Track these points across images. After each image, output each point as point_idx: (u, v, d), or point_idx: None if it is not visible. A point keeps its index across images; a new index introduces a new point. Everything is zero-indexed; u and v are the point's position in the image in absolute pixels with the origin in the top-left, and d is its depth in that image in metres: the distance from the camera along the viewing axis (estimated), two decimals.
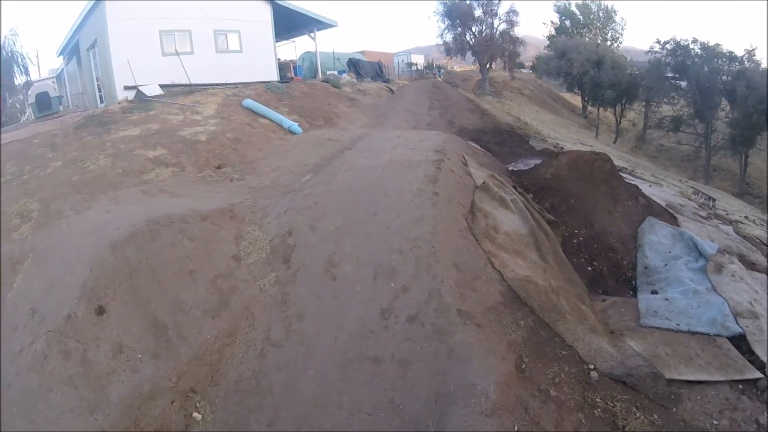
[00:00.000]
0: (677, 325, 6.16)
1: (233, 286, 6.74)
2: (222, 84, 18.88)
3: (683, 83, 29.15)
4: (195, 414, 5.69)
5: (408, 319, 5.72)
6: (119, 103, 16.55)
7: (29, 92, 20.74)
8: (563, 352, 5.53)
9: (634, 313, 6.52)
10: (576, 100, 39.41)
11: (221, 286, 6.70)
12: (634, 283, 7.76)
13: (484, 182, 8.64)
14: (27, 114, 21.88)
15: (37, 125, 15.19)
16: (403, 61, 42.82)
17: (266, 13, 22.19)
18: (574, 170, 10.14)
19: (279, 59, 24.29)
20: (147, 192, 9.45)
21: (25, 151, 12.26)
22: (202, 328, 6.20)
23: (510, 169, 12.04)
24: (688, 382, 5.31)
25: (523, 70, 39.15)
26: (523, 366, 5.25)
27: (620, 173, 11.03)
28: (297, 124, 14.50)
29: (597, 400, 5.05)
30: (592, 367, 5.39)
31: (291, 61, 27.92)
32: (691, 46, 28.14)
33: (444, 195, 7.56)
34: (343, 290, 6.30)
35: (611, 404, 5.01)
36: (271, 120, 14.64)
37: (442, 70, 27.69)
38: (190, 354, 5.95)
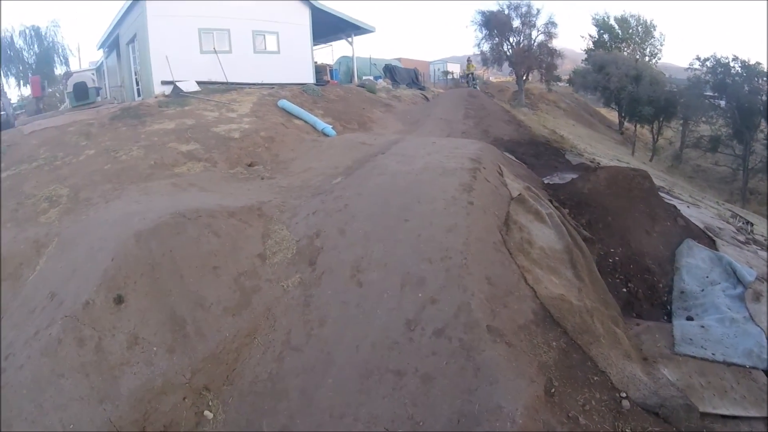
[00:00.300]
0: (712, 354, 5.80)
1: (256, 285, 6.55)
2: (258, 84, 18.93)
3: (722, 102, 28.37)
4: (206, 412, 5.53)
5: (434, 333, 5.41)
6: (156, 97, 16.66)
7: (67, 82, 21.05)
8: (595, 378, 5.20)
9: (669, 340, 6.16)
10: (612, 115, 38.64)
11: (244, 285, 6.52)
12: (669, 307, 7.34)
13: (520, 194, 8.32)
14: (66, 103, 22.20)
15: (74, 114, 15.38)
16: (439, 69, 42.61)
17: (305, 16, 22.20)
18: (613, 186, 9.70)
19: (316, 62, 24.28)
20: (177, 185, 9.37)
21: (59, 138, 12.40)
22: (221, 325, 6.03)
23: (545, 182, 11.70)
24: (722, 416, 4.97)
25: (560, 83, 38.50)
26: (553, 390, 4.92)
27: (658, 192, 10.61)
28: (331, 126, 14.36)
29: (627, 430, 4.72)
30: (624, 395, 5.05)
31: (327, 64, 27.96)
32: (732, 64, 27.34)
33: (479, 205, 7.26)
34: (369, 297, 6.04)
35: None
36: (305, 121, 14.54)
37: (476, 80, 27.28)
38: (207, 351, 5.78)
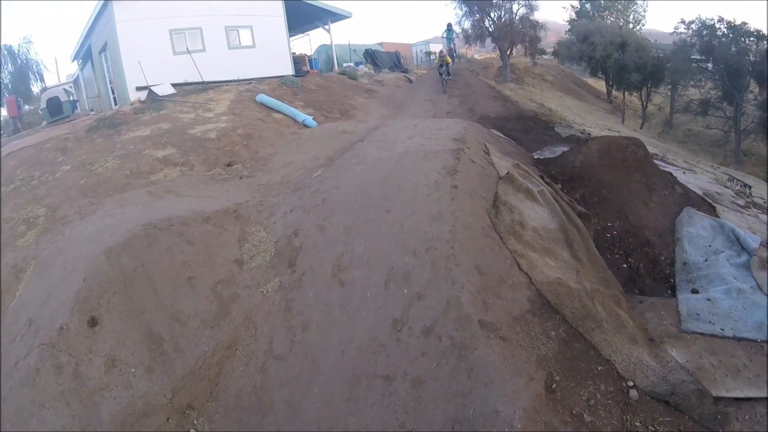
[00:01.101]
0: (721, 330, 5.49)
1: (234, 293, 6.27)
2: (236, 80, 18.56)
3: (710, 65, 27.96)
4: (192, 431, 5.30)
5: (423, 332, 5.12)
6: (131, 104, 16.32)
7: (41, 98, 20.74)
8: (599, 368, 4.91)
9: (675, 316, 5.85)
10: (600, 85, 38.20)
11: (221, 294, 6.24)
12: (672, 281, 7.07)
13: (508, 172, 7.98)
14: (43, 123, 21.90)
15: (51, 130, 15.08)
16: (421, 50, 42.11)
17: (278, 7, 21.71)
18: (606, 157, 9.38)
19: (294, 53, 23.86)
20: (153, 193, 9.06)
21: (36, 156, 12.12)
22: (200, 339, 5.76)
23: (536, 157, 11.40)
24: (737, 399, 4.65)
25: (545, 56, 37.90)
26: (554, 386, 4.64)
27: (653, 160, 10.30)
28: (312, 117, 14.01)
29: (637, 424, 4.45)
30: (631, 384, 4.76)
31: (306, 54, 27.50)
32: (717, 26, 26.88)
33: (464, 188, 6.91)
34: (352, 297, 5.76)
35: (653, 428, 4.41)
36: (285, 114, 14.18)
37: (450, 74, 25.29)
38: (187, 368, 5.53)
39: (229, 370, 5.62)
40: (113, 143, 12.02)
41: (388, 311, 5.44)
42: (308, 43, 31.55)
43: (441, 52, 21.73)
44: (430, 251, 5.86)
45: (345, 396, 4.92)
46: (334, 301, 5.80)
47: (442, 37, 27.79)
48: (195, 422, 5.34)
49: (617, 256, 7.75)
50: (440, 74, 21.30)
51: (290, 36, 23.38)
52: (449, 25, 28.28)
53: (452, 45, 26.56)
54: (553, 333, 5.17)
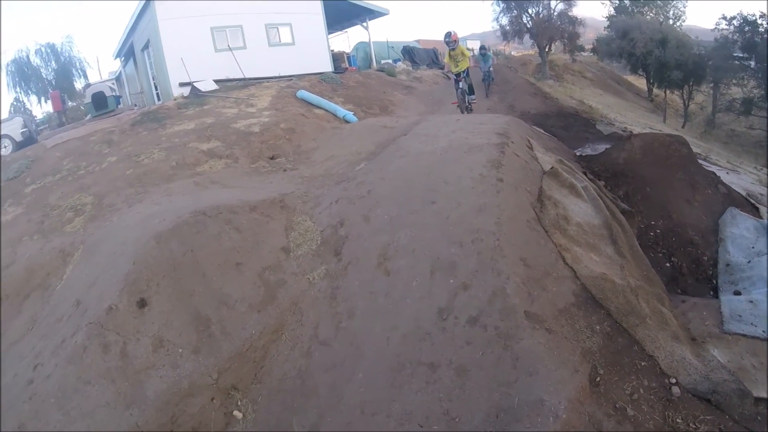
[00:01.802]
0: (763, 332, 5.32)
1: (281, 279, 6.33)
2: (276, 77, 18.79)
3: (752, 63, 27.10)
4: (236, 412, 5.40)
5: (468, 321, 5.07)
6: (174, 100, 16.64)
7: (85, 93, 21.30)
8: (643, 363, 4.79)
9: (717, 317, 5.70)
10: (640, 82, 37.44)
11: (268, 280, 6.30)
12: (715, 281, 6.97)
13: (552, 167, 7.86)
14: (87, 117, 22.51)
15: (96, 123, 15.49)
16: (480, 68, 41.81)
17: (317, 4, 21.93)
18: (649, 154, 9.28)
19: (332, 50, 24.04)
20: (199, 183, 9.25)
21: (82, 148, 12.51)
22: (247, 323, 5.84)
23: (577, 154, 11.28)
24: None
25: (584, 53, 37.30)
26: (598, 379, 4.54)
27: (696, 159, 10.11)
28: (352, 113, 14.10)
29: (678, 420, 4.33)
30: (673, 381, 4.64)
31: (345, 52, 27.65)
32: (760, 22, 26.00)
33: (509, 181, 6.83)
34: (398, 286, 5.74)
35: (694, 426, 4.30)
36: (325, 110, 14.30)
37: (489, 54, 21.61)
38: (233, 350, 5.62)
39: (275, 354, 5.69)
40: (158, 136, 12.31)
41: (434, 300, 5.41)
42: (347, 40, 31.74)
43: (451, 38, 13.09)
44: (476, 242, 5.81)
45: (389, 382, 4.91)
46: (379, 290, 5.80)
47: (475, 66, 18.27)
48: (239, 403, 5.42)
49: (660, 254, 7.65)
50: (457, 89, 13.93)
51: (329, 33, 23.54)
52: (483, 48, 22.19)
53: (490, 69, 20.39)
54: (597, 327, 5.07)
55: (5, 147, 15.46)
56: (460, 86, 13.62)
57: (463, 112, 13.87)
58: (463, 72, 13.49)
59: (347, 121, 13.58)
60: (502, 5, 28.77)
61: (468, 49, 14.67)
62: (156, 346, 5.56)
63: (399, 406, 4.69)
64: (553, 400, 4.17)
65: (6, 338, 7.44)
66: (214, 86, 17.44)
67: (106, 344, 5.58)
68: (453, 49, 13.31)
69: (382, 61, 26.66)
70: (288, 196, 7.93)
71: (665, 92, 31.50)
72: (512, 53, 40.78)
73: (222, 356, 5.54)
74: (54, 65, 35.45)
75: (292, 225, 7.19)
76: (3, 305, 8.15)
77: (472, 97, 14.12)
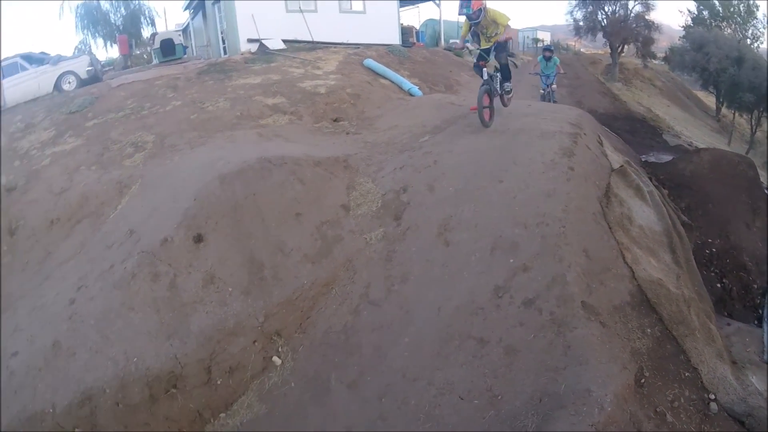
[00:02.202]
0: None
1: (338, 235, 6.43)
2: (343, 44, 18.79)
3: None
4: (275, 358, 5.53)
5: (524, 303, 5.05)
6: (242, 55, 16.83)
7: (154, 40, 21.67)
8: (686, 374, 4.73)
9: (759, 346, 5.63)
10: (709, 100, 36.00)
11: (326, 234, 6.40)
12: (761, 311, 6.86)
13: (622, 166, 7.71)
14: (153, 63, 22.94)
15: (161, 69, 15.80)
16: (528, 37, 41.09)
17: None
18: (716, 170, 9.10)
19: (402, 24, 23.87)
20: (262, 135, 9.43)
21: (146, 90, 12.83)
22: (300, 272, 5.95)
23: (643, 159, 11.02)
24: None
25: (655, 60, 36.06)
26: (643, 381, 4.48)
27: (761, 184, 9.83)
28: (417, 87, 14.00)
29: None
30: (713, 397, 4.59)
31: (413, 26, 27.40)
32: None
33: (579, 172, 6.72)
34: (456, 258, 5.74)
35: None
36: (391, 81, 14.25)
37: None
38: (283, 297, 5.74)
39: (322, 307, 5.79)
40: (224, 87, 12.49)
41: (491, 277, 5.40)
42: (417, 15, 31.31)
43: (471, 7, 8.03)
44: (541, 226, 5.76)
45: (435, 351, 4.95)
46: (436, 259, 5.81)
47: (535, 72, 14.60)
48: (280, 350, 5.56)
49: (712, 274, 7.57)
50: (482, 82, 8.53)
51: (400, 7, 23.37)
52: (549, 50, 14.61)
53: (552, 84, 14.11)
54: (648, 330, 5.01)
55: (69, 83, 15.85)
56: (486, 74, 8.36)
57: (485, 123, 8.36)
58: (492, 47, 8.40)
59: (412, 95, 13.50)
60: None
61: (538, 40, 13.40)
62: (206, 282, 5.72)
63: (442, 376, 4.72)
64: (600, 392, 4.13)
65: (52, 259, 7.74)
66: (282, 45, 17.60)
67: (156, 274, 5.77)
68: (476, 23, 8.23)
69: (450, 41, 26.27)
70: (351, 156, 8.01)
71: (734, 114, 30.23)
72: (581, 50, 39.71)
73: (271, 301, 5.66)
74: (123, 11, 36.23)
75: (354, 185, 7.25)
76: (54, 228, 8.44)
77: (508, 85, 8.80)
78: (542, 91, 13.88)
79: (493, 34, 8.42)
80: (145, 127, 10.55)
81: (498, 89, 8.67)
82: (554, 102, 14.12)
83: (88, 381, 5.04)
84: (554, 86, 13.99)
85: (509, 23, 8.23)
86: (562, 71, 14.71)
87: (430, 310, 5.31)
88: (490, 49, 8.42)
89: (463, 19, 8.38)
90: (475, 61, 8.74)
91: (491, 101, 8.40)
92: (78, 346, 5.32)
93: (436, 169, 7.11)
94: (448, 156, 7.36)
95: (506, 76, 8.70)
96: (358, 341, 5.36)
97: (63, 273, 7.04)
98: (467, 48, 9.56)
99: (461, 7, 7.76)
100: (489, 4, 7.97)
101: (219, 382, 5.27)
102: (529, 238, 5.66)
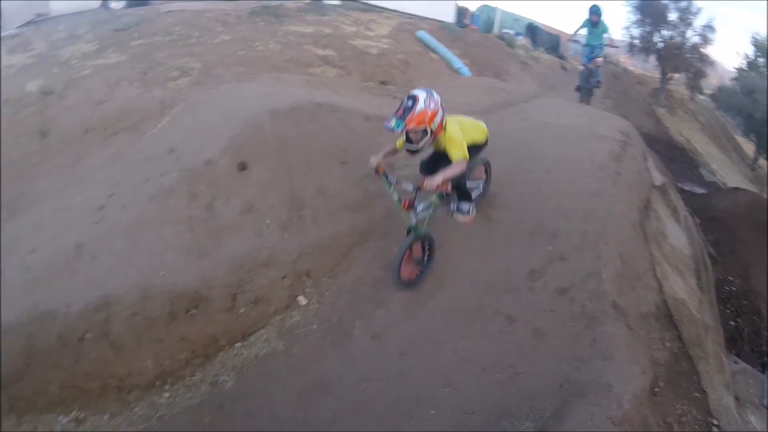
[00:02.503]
0: None
1: (380, 190, 6.30)
2: (397, 11, 18.60)
3: None
4: (301, 297, 5.54)
5: (557, 291, 5.06)
6: (296, 2, 16.71)
7: None
8: (696, 394, 4.72)
9: (760, 390, 5.73)
10: (748, 147, 35.73)
11: (368, 187, 6.37)
12: (765, 358, 6.98)
13: (663, 184, 7.74)
14: None
15: (213, 3, 15.69)
16: (579, 43, 40.54)
17: None
18: (750, 212, 9.20)
19: (457, 3, 23.65)
20: (311, 82, 9.37)
21: (195, 20, 12.71)
22: (339, 218, 5.95)
23: (678, 186, 11.04)
24: None
25: (702, 96, 35.60)
26: (657, 390, 4.48)
27: None
28: (467, 68, 13.90)
29: None
30: (716, 423, 4.58)
31: (468, 9, 27.15)
32: None
33: (625, 179, 6.69)
34: (495, 235, 5.74)
35: None
36: (441, 57, 14.10)
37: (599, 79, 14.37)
38: (319, 239, 5.75)
39: (356, 257, 5.81)
40: (275, 30, 12.41)
41: (528, 260, 5.39)
42: None
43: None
44: (583, 222, 5.72)
45: (463, 319, 4.97)
46: (475, 232, 5.80)
47: (575, 39, 13.47)
48: (306, 290, 5.57)
49: (728, 311, 7.57)
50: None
51: None
52: (596, 12, 11.86)
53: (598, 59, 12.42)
54: (668, 344, 5.01)
55: (117, 1, 15.77)
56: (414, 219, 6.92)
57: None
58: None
59: (461, 74, 13.41)
60: (637, 16, 27.56)
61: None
62: (245, 210, 5.70)
63: (467, 345, 4.74)
64: (621, 389, 4.13)
65: (83, 166, 7.77)
66: (338, 1, 17.48)
67: (195, 193, 5.72)
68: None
69: (503, 30, 25.99)
70: None
71: None
72: (629, 68, 39.15)
73: (307, 241, 5.67)
74: None
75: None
76: (88, 136, 8.47)
77: (466, 205, 5.92)
78: (582, 67, 11.75)
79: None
80: (192, 55, 10.50)
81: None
82: (598, 82, 12.51)
83: (109, 287, 4.99)
84: (600, 60, 11.74)
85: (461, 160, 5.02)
86: (611, 45, 12.47)
87: (463, 279, 5.33)
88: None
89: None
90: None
91: (423, 255, 5.55)
92: (103, 251, 5.27)
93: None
94: (500, 136, 7.17)
95: (463, 195, 5.80)
96: (386, 296, 5.38)
97: (93, 180, 7.01)
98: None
99: (389, 120, 4.75)
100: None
101: (241, 311, 5.27)
102: (570, 230, 5.63)
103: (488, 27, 25.76)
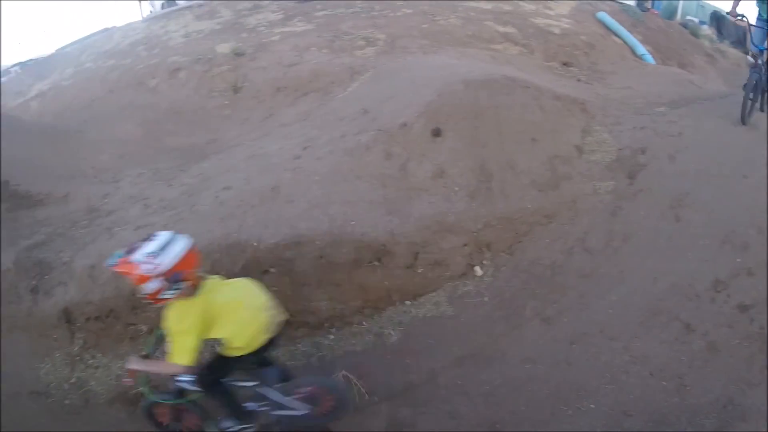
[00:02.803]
0: None
1: (568, 173, 6.22)
2: None
3: None
4: (477, 268, 5.56)
5: (739, 306, 4.80)
6: None
7: None
8: None
9: None
10: None
11: (557, 168, 6.21)
12: None
13: None
14: None
15: None
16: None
17: None
18: None
19: None
20: (495, 58, 9.30)
21: None
22: (525, 195, 5.87)
23: None
24: None
25: None
26: None
27: None
28: (651, 55, 13.04)
29: None
30: None
31: None
32: None
33: None
34: (683, 237, 5.46)
35: None
36: (624, 41, 13.30)
37: None
38: (504, 212, 5.71)
39: (537, 237, 5.74)
40: (454, 5, 12.33)
41: (714, 269, 5.12)
42: None
43: None
44: None
45: (639, 319, 4.85)
46: (663, 231, 5.56)
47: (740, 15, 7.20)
48: (484, 262, 5.60)
49: None
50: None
51: None
52: None
53: None
54: None
55: None
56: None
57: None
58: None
59: (644, 61, 12.64)
60: None
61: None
62: (436, 175, 5.80)
63: (639, 346, 4.65)
64: None
65: (274, 120, 8.34)
66: None
67: (390, 153, 5.92)
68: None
69: (687, 17, 23.97)
70: (588, 102, 7.62)
71: None
72: None
73: (493, 212, 5.67)
74: None
75: (589, 130, 6.93)
76: (279, 94, 9.00)
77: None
78: (751, 59, 7.59)
79: None
80: (376, 26, 10.78)
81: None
82: None
83: (301, 228, 5.26)
84: None
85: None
86: None
87: (644, 278, 5.16)
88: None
89: None
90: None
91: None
92: (298, 196, 5.58)
93: (680, 140, 6.63)
94: (694, 132, 6.79)
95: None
96: (563, 281, 5.31)
97: (285, 133, 7.49)
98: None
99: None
100: None
101: (419, 271, 5.39)
102: (762, 244, 5.26)
103: (670, 12, 23.81)
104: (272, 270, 5.15)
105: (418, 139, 6.00)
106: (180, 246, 3.36)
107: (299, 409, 3.93)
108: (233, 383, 3.93)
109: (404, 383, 4.78)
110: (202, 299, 3.46)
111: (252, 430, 4.07)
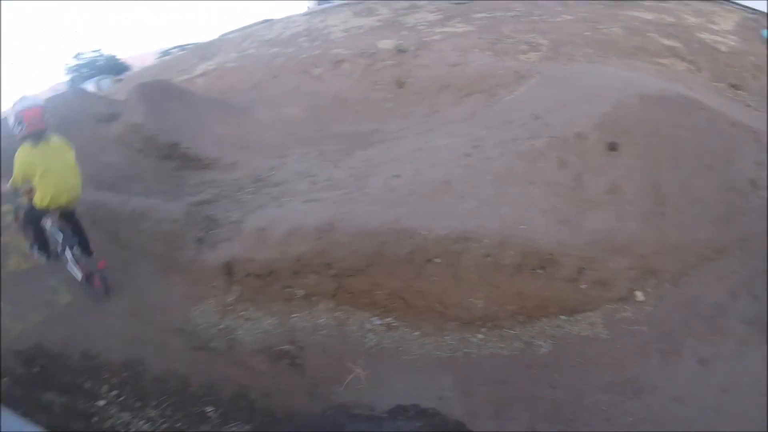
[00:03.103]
0: None
1: (741, 208, 5.75)
2: (737, 4, 16.61)
3: None
4: (638, 293, 5.23)
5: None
6: None
7: None
8: None
9: None
10: None
11: (731, 200, 5.74)
12: None
13: None
14: None
15: None
16: None
17: None
18: None
19: None
20: (662, 73, 8.79)
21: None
22: (699, 226, 5.53)
23: None
24: None
25: None
26: None
27: None
28: None
29: None
30: None
31: None
32: None
33: None
34: None
35: None
36: None
37: None
38: (676, 240, 5.40)
39: (704, 271, 5.42)
40: (614, 13, 11.89)
41: None
42: None
43: None
44: None
45: None
46: None
47: None
48: (648, 289, 5.33)
49: None
50: None
51: None
52: None
53: None
54: None
55: None
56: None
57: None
58: None
59: None
60: None
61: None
62: (609, 191, 5.56)
63: None
64: None
65: (438, 117, 8.51)
66: None
67: (564, 162, 5.76)
68: None
69: None
70: (761, 132, 6.90)
71: None
72: None
73: (664, 238, 5.38)
74: None
75: (762, 163, 6.36)
76: (443, 92, 9.28)
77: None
78: None
79: None
80: (537, 31, 10.62)
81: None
82: None
83: (471, 224, 5.25)
84: None
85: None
86: None
87: None
88: None
89: None
90: None
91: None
92: (469, 193, 5.57)
93: None
94: None
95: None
96: (724, 324, 4.89)
97: (450, 130, 7.51)
98: None
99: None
100: None
101: (582, 287, 5.18)
102: None
103: None
104: (437, 260, 5.19)
105: (594, 150, 5.79)
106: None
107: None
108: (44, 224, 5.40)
109: (548, 397, 4.59)
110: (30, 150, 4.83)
111: (45, 255, 5.67)
